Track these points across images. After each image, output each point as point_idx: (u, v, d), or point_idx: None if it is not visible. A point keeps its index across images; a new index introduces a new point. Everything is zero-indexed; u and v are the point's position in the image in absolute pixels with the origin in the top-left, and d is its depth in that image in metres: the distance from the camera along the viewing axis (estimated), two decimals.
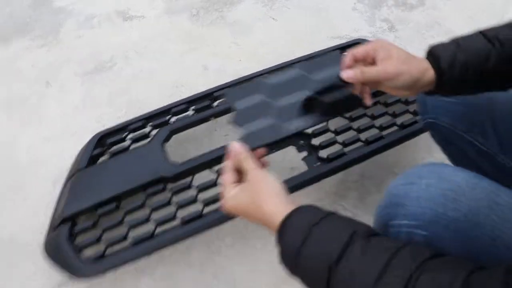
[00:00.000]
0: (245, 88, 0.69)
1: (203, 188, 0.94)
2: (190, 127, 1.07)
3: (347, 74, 0.60)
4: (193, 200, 0.93)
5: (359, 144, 1.05)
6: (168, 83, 1.34)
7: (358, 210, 1.09)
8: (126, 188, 0.94)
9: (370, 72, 0.59)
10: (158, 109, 1.11)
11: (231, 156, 0.58)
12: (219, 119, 1.22)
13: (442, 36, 1.51)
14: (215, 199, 0.92)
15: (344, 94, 0.65)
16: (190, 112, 1.10)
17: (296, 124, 0.65)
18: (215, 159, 0.96)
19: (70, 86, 1.34)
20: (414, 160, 1.19)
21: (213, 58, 1.42)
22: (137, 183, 0.94)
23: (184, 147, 1.19)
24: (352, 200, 1.10)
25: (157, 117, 1.09)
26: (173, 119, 1.10)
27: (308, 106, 0.66)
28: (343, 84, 0.62)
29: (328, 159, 0.98)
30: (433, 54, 0.59)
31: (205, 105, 1.10)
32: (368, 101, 0.65)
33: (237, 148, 0.57)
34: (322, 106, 0.66)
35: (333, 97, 0.66)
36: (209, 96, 1.12)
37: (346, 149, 1.02)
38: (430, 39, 1.49)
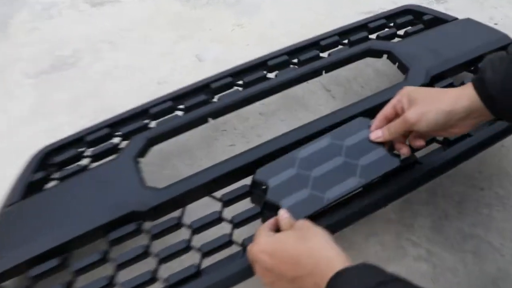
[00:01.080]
0: (275, 165, 0.63)
1: (199, 227, 0.59)
2: (178, 133, 0.72)
3: (374, 135, 0.61)
4: (185, 248, 0.57)
5: (435, 146, 0.69)
6: (151, 80, 1.00)
7: (435, 246, 0.72)
8: (77, 232, 0.59)
9: (394, 125, 0.58)
10: (131, 110, 0.76)
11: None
12: (220, 120, 0.87)
13: (505, 5, 1.17)
14: (221, 245, 0.57)
15: (381, 153, 0.62)
16: (178, 113, 0.76)
17: (336, 192, 0.60)
18: (217, 180, 0.61)
19: (19, 91, 1.00)
20: (500, 169, 0.83)
21: (211, 45, 1.09)
22: (95, 223, 0.59)
23: (171, 164, 0.84)
24: (424, 230, 0.74)
25: (129, 121, 0.74)
26: (153, 123, 0.75)
27: (345, 172, 0.61)
28: (378, 144, 0.62)
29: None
30: (479, 78, 0.52)
31: (199, 101, 0.75)
32: (405, 151, 0.60)
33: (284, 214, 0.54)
34: (360, 169, 0.61)
35: (369, 158, 0.61)
36: (205, 88, 0.78)
37: (416, 155, 0.66)
38: (491, 9, 1.15)
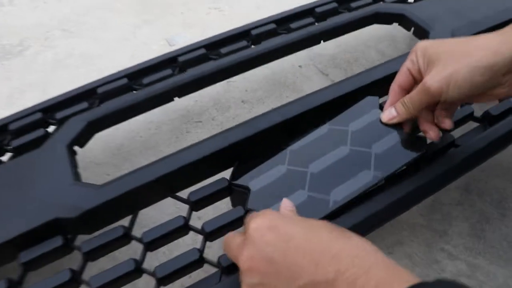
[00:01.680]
0: (257, 163, 0.45)
1: (155, 240, 0.40)
2: (131, 114, 0.54)
3: (387, 115, 0.45)
4: (132, 272, 0.38)
5: (472, 124, 0.53)
6: (106, 68, 0.82)
7: (478, 257, 0.55)
8: None
9: (412, 98, 0.41)
10: (72, 90, 0.57)
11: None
12: (195, 110, 0.70)
13: None
14: (186, 265, 0.38)
15: (401, 136, 0.45)
16: (136, 92, 0.58)
17: (344, 191, 0.42)
18: (183, 172, 0.43)
19: None
20: None
21: (182, 30, 0.92)
22: (7, 235, 0.40)
23: (132, 163, 0.66)
24: (461, 238, 0.57)
25: (70, 104, 0.55)
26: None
27: (355, 165, 0.44)
28: (396, 125, 0.45)
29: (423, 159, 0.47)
30: None
31: (162, 77, 0.57)
32: (433, 134, 0.43)
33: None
34: (374, 159, 0.44)
35: (385, 144, 0.45)
36: (171, 63, 0.60)
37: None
38: None
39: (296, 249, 0.29)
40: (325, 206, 0.41)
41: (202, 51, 0.61)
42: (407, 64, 0.43)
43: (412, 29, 0.64)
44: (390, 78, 0.47)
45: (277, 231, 0.31)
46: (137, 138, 0.69)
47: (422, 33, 0.62)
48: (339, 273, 0.27)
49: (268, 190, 0.43)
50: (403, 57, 0.55)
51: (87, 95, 0.57)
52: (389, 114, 0.45)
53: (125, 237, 0.40)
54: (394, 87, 0.45)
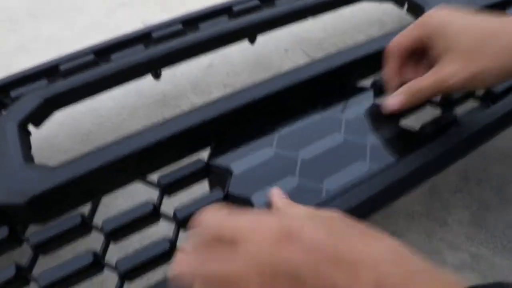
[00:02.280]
0: (242, 142, 0.40)
1: (119, 229, 0.34)
2: (95, 89, 0.47)
3: (390, 103, 0.39)
4: (92, 266, 0.32)
5: (470, 103, 0.49)
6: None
7: (480, 247, 0.50)
8: None
9: (423, 93, 0.36)
10: (32, 68, 0.51)
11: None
12: (172, 93, 0.65)
13: None
14: (155, 258, 0.32)
15: (397, 130, 0.42)
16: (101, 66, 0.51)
17: (338, 180, 0.38)
18: (152, 152, 0.37)
19: None
20: None
21: (160, 13, 0.86)
22: None
23: (94, 145, 0.59)
24: (462, 226, 0.52)
25: (27, 82, 0.49)
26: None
27: (349, 154, 0.40)
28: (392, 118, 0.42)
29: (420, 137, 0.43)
30: None
31: (133, 52, 0.51)
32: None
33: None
34: (370, 149, 0.40)
35: (382, 134, 0.42)
36: (145, 38, 0.54)
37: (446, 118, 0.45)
38: None
39: (327, 260, 0.21)
40: (317, 195, 0.36)
41: (179, 27, 0.55)
42: (417, 34, 0.38)
43: (406, 5, 0.59)
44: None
45: (298, 239, 0.22)
46: (108, 124, 0.62)
47: (416, 10, 0.57)
48: (379, 285, 0.21)
49: (253, 174, 0.37)
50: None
51: (48, 72, 0.50)
52: (392, 104, 0.39)
53: (84, 227, 0.34)
54: (394, 51, 0.40)
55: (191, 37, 0.51)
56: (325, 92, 0.45)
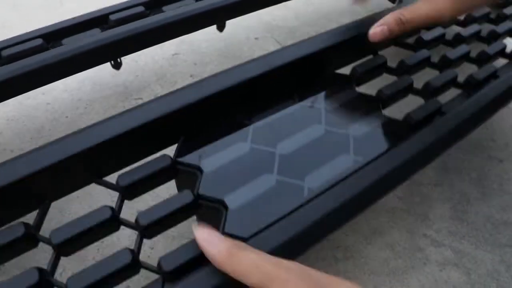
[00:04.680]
0: (212, 137, 0.36)
1: (70, 240, 0.28)
2: (45, 78, 0.41)
3: (378, 35, 0.40)
4: (38, 284, 0.26)
5: (454, 92, 0.47)
6: None
7: (463, 242, 0.49)
8: None
9: (413, 22, 0.40)
10: None
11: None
12: (135, 85, 0.60)
13: None
14: (116, 271, 0.27)
15: (381, 121, 0.39)
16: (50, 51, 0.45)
17: (321, 177, 0.34)
18: (110, 148, 0.32)
19: None
20: None
21: None
22: None
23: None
24: (443, 221, 0.51)
25: None
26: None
27: (331, 147, 0.36)
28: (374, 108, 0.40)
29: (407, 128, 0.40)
30: None
31: (87, 36, 0.46)
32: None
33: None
34: (353, 142, 0.37)
35: (365, 125, 0.39)
36: (101, 22, 0.49)
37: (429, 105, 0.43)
38: None
39: None
40: (299, 194, 0.33)
41: (141, 9, 0.50)
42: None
43: None
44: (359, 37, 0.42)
45: None
46: (62, 119, 0.56)
47: None
48: None
49: (226, 172, 0.33)
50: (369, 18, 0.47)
51: None
52: (381, 32, 0.40)
53: (28, 239, 0.28)
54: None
55: (154, 20, 0.46)
56: (303, 80, 0.42)
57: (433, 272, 0.46)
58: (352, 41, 0.44)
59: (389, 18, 0.40)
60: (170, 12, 0.47)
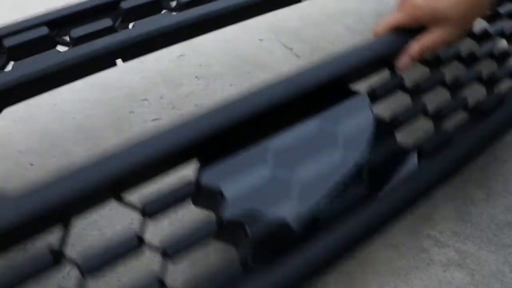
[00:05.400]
0: (233, 159, 0.35)
1: (95, 266, 0.28)
2: (56, 82, 0.41)
3: (404, 66, 0.45)
4: None
5: (461, 116, 0.47)
6: None
7: (467, 242, 0.49)
8: None
9: (432, 48, 0.45)
10: None
11: None
12: (140, 86, 0.60)
13: None
14: None
15: (393, 148, 0.40)
16: (59, 49, 0.44)
17: (335, 206, 0.36)
18: (131, 173, 0.32)
19: None
20: None
21: None
22: None
23: (62, 150, 0.54)
24: (448, 222, 0.51)
25: None
26: (10, 66, 0.43)
27: (345, 177, 0.37)
28: (388, 130, 0.42)
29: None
30: None
31: (99, 29, 0.45)
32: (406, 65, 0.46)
33: None
34: (366, 170, 0.38)
35: (379, 153, 0.39)
36: (111, 9, 0.48)
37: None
38: None
39: None
40: (315, 223, 0.35)
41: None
42: (408, 18, 0.45)
43: None
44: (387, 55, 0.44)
45: None
46: (69, 120, 0.57)
47: None
48: None
49: (247, 198, 0.34)
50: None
51: None
52: (406, 64, 0.45)
53: (55, 261, 0.29)
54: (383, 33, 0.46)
55: (172, 19, 0.45)
56: (320, 99, 0.41)
57: (437, 273, 0.46)
58: (372, 61, 0.44)
59: (412, 51, 0.44)
60: (181, 15, 0.46)
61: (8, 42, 0.41)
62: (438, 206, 0.52)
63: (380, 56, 0.44)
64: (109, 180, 0.30)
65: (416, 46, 0.44)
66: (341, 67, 0.41)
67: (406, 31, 0.45)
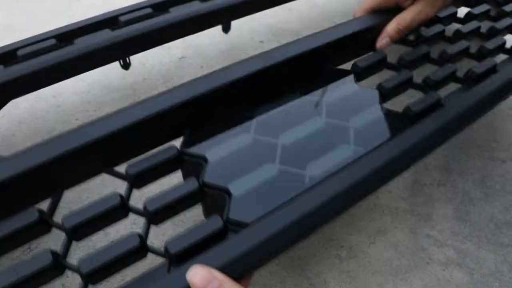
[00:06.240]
0: (216, 129, 0.37)
1: (80, 225, 0.29)
2: (58, 77, 0.42)
3: (384, 45, 0.46)
4: (53, 266, 0.28)
5: (453, 86, 0.47)
6: None
7: (465, 242, 0.49)
8: None
9: (409, 27, 0.47)
10: None
11: None
12: (140, 86, 0.61)
13: None
14: (126, 254, 0.28)
15: (381, 113, 0.40)
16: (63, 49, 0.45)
17: (322, 166, 0.35)
18: (120, 138, 0.33)
19: None
20: None
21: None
22: None
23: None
24: (446, 221, 0.51)
25: None
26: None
27: (331, 138, 0.37)
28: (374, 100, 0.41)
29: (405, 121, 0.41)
30: None
31: (99, 35, 0.47)
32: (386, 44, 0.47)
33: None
34: (353, 133, 0.38)
35: (365, 117, 0.40)
36: (110, 22, 0.50)
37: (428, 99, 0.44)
38: None
39: None
40: (300, 181, 0.34)
41: (148, 10, 0.51)
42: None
43: None
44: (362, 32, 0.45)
45: None
46: (72, 121, 0.57)
47: None
48: None
49: (230, 162, 0.34)
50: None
51: (4, 58, 0.45)
52: (386, 43, 0.46)
53: (42, 224, 0.29)
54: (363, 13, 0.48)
55: (166, 18, 0.46)
56: (305, 75, 0.43)
57: (436, 272, 0.46)
58: (353, 37, 0.45)
59: (389, 30, 0.46)
60: (176, 12, 0.48)
61: (21, 52, 0.43)
62: (437, 206, 0.52)
63: (355, 32, 0.45)
64: (97, 143, 0.31)
65: (393, 26, 0.46)
66: (318, 42, 0.43)
67: (381, 11, 0.48)
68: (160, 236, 0.46)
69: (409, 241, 0.48)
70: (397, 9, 0.48)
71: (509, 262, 0.48)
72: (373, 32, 0.47)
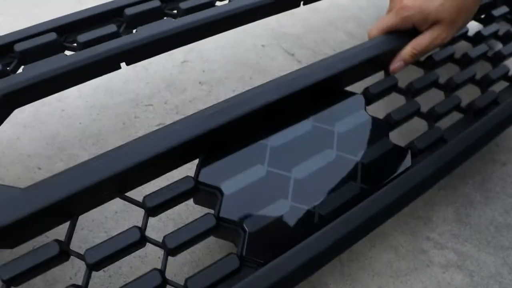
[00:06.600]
0: (231, 158, 0.38)
1: (102, 260, 0.30)
2: (64, 84, 0.42)
3: (397, 69, 0.47)
4: None
5: (456, 116, 0.50)
6: None
7: (466, 244, 0.50)
8: None
9: (424, 51, 0.47)
10: None
11: None
12: (145, 92, 0.62)
13: None
14: None
15: (387, 147, 0.42)
16: (67, 53, 0.45)
17: (328, 207, 0.37)
18: (136, 170, 0.33)
19: None
20: None
21: None
22: None
23: (69, 154, 0.55)
24: (447, 224, 0.52)
25: None
26: (20, 69, 0.44)
27: (340, 175, 0.39)
28: (381, 132, 0.43)
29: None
30: None
31: (104, 34, 0.46)
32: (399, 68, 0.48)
33: None
34: (361, 169, 0.40)
35: (374, 153, 0.41)
36: (115, 16, 0.50)
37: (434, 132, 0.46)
38: None
39: None
40: (310, 220, 0.36)
41: (156, 3, 0.49)
42: (395, 23, 0.47)
43: None
44: (378, 57, 0.46)
45: None
46: (76, 125, 0.58)
47: None
48: None
49: (244, 195, 0.36)
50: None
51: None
52: (399, 67, 0.47)
53: (62, 255, 0.30)
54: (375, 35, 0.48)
55: (174, 24, 0.46)
56: (318, 99, 0.43)
57: (436, 274, 0.47)
58: (369, 61, 0.46)
59: (404, 54, 0.46)
60: (183, 20, 0.47)
61: (18, 47, 0.43)
62: (437, 209, 0.53)
63: (371, 57, 0.45)
64: (115, 177, 0.32)
65: (408, 50, 0.46)
66: (334, 68, 0.43)
67: (398, 33, 0.48)
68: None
69: (409, 244, 0.49)
70: (413, 31, 0.47)
71: (509, 264, 0.48)
72: (387, 54, 0.47)
